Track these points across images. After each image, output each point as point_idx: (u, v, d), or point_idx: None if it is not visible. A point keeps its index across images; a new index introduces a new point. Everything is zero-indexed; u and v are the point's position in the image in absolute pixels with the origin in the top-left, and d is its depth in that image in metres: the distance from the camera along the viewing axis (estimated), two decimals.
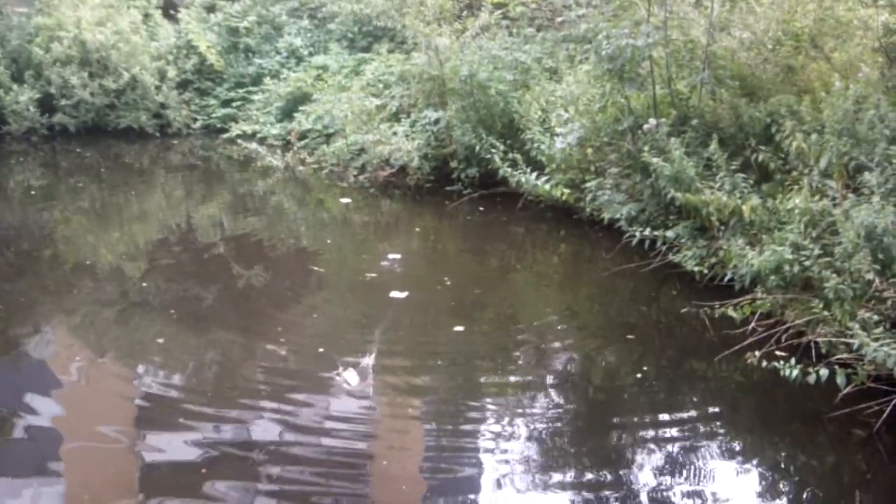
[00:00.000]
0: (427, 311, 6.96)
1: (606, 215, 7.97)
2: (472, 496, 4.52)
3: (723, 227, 6.76)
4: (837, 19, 7.71)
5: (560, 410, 5.37)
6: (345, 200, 10.51)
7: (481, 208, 9.76)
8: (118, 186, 11.69)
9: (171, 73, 14.46)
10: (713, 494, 4.40)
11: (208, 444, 4.86)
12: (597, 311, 7.24)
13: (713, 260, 6.76)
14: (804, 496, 4.45)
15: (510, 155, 9.29)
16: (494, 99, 10.01)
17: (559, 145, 8.69)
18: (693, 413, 5.30)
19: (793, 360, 4.98)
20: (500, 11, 11.79)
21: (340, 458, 4.75)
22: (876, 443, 4.74)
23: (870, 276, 5.13)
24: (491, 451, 4.84)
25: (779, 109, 7.12)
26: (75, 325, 6.77)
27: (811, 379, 4.85)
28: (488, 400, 5.42)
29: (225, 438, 5.00)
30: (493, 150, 9.39)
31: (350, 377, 5.56)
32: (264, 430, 5.05)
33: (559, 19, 10.32)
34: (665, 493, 4.40)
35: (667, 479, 4.53)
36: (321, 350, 6.03)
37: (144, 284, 7.58)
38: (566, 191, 8.58)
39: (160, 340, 6.28)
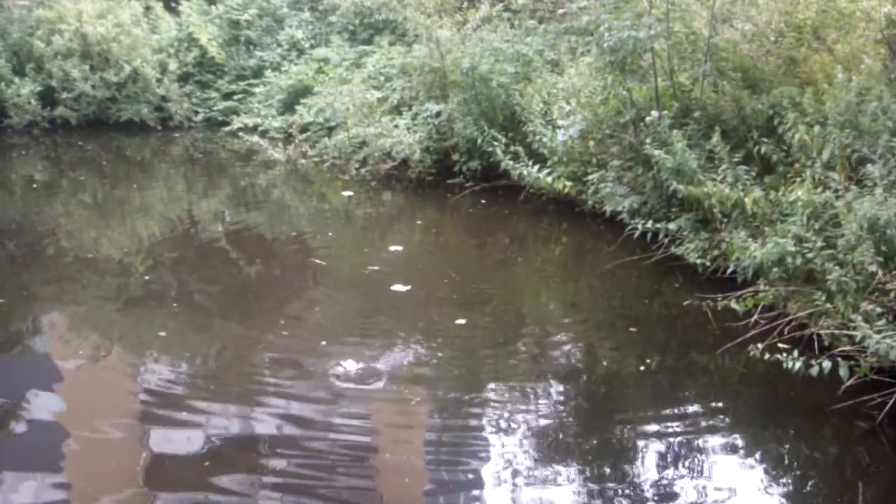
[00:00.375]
0: (429, 303, 6.95)
1: (608, 208, 7.97)
2: (474, 489, 4.52)
3: (725, 220, 6.75)
4: (840, 11, 7.67)
5: (562, 403, 5.38)
6: (346, 193, 10.50)
7: (483, 201, 9.74)
8: (120, 179, 11.70)
9: (173, 65, 14.43)
10: (715, 487, 4.41)
11: (211, 437, 4.87)
12: (599, 304, 7.23)
13: (715, 252, 6.76)
14: (807, 488, 4.46)
15: (512, 147, 9.26)
16: (496, 91, 9.98)
17: (561, 138, 8.67)
18: (695, 405, 5.31)
19: (795, 353, 4.98)
20: (501, 3, 11.78)
21: (343, 450, 4.76)
22: (879, 435, 4.74)
23: (872, 268, 5.12)
24: (494, 443, 4.85)
25: (781, 101, 7.10)
26: (77, 319, 6.78)
27: (814, 371, 4.85)
28: (491, 392, 5.42)
29: (228, 431, 5.02)
30: (495, 143, 9.37)
31: (349, 364, 5.58)
32: (267, 423, 5.07)
33: (561, 11, 10.31)
34: (668, 486, 4.41)
35: (669, 472, 4.54)
36: (324, 343, 6.04)
37: (147, 278, 7.59)
38: (568, 183, 8.58)
39: (162, 333, 6.29)
